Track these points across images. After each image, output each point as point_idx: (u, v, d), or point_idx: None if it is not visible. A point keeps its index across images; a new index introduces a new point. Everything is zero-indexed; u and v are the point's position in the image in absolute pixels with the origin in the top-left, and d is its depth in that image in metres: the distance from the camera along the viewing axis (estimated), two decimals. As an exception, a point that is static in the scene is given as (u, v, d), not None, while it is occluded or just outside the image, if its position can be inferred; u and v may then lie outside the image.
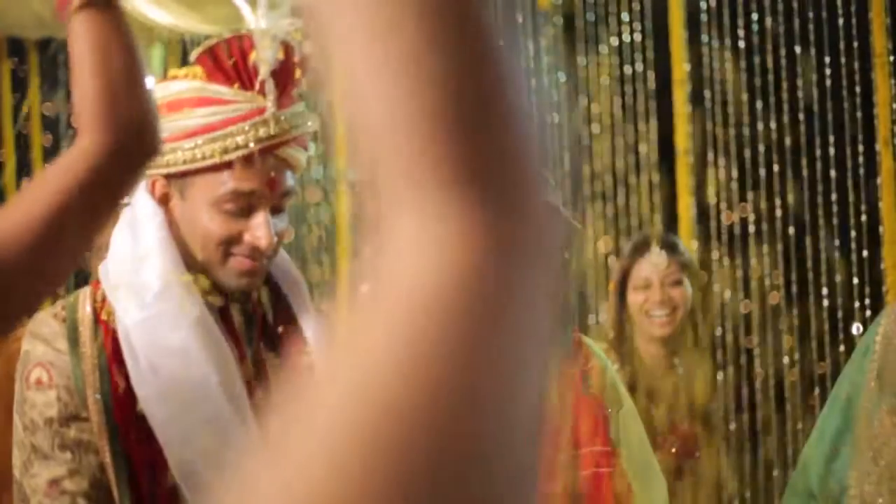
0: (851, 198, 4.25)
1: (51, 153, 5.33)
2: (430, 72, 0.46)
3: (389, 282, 0.47)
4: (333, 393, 0.46)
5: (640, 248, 3.21)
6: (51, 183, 1.36)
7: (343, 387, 0.46)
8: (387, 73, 0.47)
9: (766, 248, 4.44)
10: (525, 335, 0.47)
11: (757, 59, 4.46)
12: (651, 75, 4.68)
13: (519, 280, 0.46)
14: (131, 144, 1.39)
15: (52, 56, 5.31)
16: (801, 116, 4.37)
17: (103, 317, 1.68)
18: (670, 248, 3.20)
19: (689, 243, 4.21)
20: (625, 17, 4.70)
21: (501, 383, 0.46)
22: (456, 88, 0.46)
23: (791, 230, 4.40)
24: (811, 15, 4.32)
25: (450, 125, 0.46)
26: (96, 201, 1.38)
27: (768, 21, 4.43)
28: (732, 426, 4.35)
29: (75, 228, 1.37)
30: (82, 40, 1.37)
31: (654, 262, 3.15)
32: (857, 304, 4.22)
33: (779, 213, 4.42)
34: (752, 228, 4.47)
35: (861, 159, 4.21)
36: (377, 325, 0.46)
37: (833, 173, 4.29)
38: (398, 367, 0.45)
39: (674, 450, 3.09)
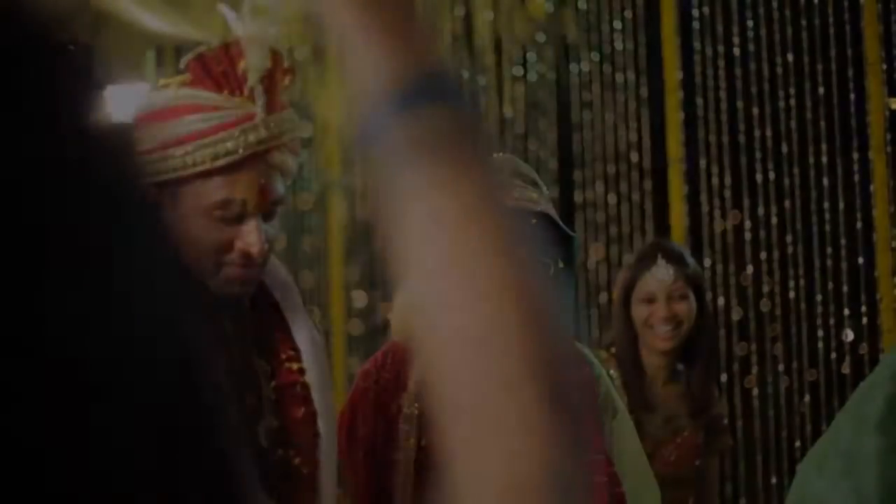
0: (844, 205, 4.25)
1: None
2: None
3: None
4: None
5: (646, 261, 3.11)
6: None
7: None
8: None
9: (758, 255, 4.44)
10: None
11: (750, 67, 4.46)
12: (644, 82, 4.68)
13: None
14: None
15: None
16: (794, 124, 4.37)
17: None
18: (677, 261, 3.10)
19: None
20: (617, 25, 4.70)
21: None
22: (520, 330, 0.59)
23: (787, 238, 4.40)
24: (804, 23, 4.32)
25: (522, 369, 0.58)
26: None
27: (761, 29, 4.44)
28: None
29: None
30: None
31: (659, 278, 3.06)
32: (848, 312, 4.22)
33: (773, 220, 4.42)
34: (745, 236, 4.47)
35: (854, 167, 4.21)
36: None
37: (826, 181, 4.29)
38: None
39: (672, 458, 3.07)
